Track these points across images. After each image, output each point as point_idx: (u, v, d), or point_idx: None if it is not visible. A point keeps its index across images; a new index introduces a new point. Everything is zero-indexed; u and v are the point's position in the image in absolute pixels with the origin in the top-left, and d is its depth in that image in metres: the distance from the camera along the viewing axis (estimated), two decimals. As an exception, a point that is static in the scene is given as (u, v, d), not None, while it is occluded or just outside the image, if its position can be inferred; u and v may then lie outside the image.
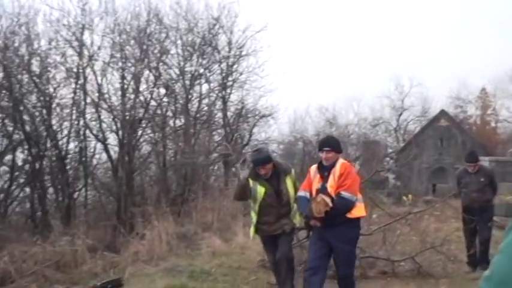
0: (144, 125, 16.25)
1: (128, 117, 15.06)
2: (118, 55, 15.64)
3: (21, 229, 13.71)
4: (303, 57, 57.16)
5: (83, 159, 15.40)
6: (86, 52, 15.24)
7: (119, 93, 15.58)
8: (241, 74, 17.92)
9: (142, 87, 15.97)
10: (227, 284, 7.93)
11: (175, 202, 14.21)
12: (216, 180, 17.66)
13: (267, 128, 19.62)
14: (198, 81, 17.31)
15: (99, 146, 15.82)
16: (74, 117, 15.37)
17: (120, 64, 15.60)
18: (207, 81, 17.54)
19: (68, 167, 15.32)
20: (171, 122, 16.95)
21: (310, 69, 54.76)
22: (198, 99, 17.50)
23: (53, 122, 15.13)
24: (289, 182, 6.18)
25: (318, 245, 5.65)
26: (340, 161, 5.66)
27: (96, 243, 11.24)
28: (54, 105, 15.14)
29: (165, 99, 16.73)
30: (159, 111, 16.69)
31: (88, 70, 15.26)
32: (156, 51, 16.17)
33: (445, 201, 11.45)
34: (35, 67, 14.93)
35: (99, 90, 15.41)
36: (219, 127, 18.18)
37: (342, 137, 22.68)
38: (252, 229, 6.47)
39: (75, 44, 15.18)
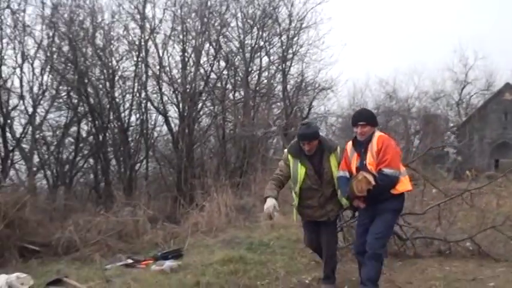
0: (204, 98, 16.36)
1: (188, 90, 15.18)
2: (179, 28, 15.75)
3: (86, 199, 14.09)
4: (363, 29, 56.21)
5: (144, 131, 15.64)
6: (147, 25, 15.43)
7: (180, 66, 15.71)
8: (301, 46, 17.76)
9: (203, 60, 16.06)
10: (285, 257, 7.91)
11: (234, 174, 14.28)
12: (274, 153, 17.64)
13: (326, 101, 19.43)
14: (258, 54, 17.25)
15: (160, 118, 16.06)
16: (135, 89, 15.63)
17: (181, 37, 15.70)
18: (267, 54, 17.46)
19: (129, 139, 15.61)
20: (230, 95, 16.99)
21: (370, 42, 53.81)
22: (257, 72, 17.46)
23: (116, 94, 15.43)
24: (333, 161, 5.61)
25: (363, 228, 5.33)
26: (377, 134, 5.19)
27: (157, 214, 11.43)
28: (117, 78, 15.43)
29: (225, 72, 16.78)
30: (219, 84, 16.75)
31: (150, 43, 15.47)
32: (216, 24, 16.18)
33: (507, 177, 10.98)
34: (99, 40, 15.22)
35: (160, 63, 15.57)
36: (278, 100, 18.10)
37: (402, 110, 22.23)
38: (294, 212, 5.99)
39: (138, 17, 15.39)
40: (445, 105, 28.56)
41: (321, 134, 5.89)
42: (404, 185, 5.16)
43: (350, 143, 5.40)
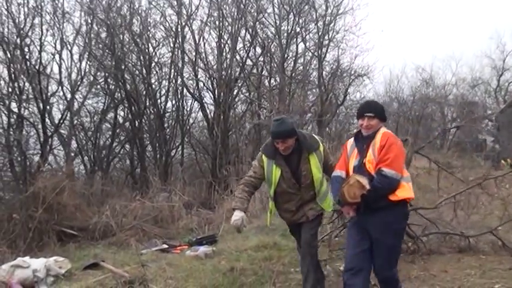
0: (239, 84, 16.35)
1: (224, 77, 15.20)
2: (215, 14, 15.77)
3: (122, 185, 14.26)
4: (401, 15, 55.23)
5: (180, 117, 15.73)
6: (184, 11, 15.46)
7: (216, 52, 15.73)
8: (337, 32, 17.60)
9: (239, 46, 16.06)
10: (319, 244, 7.92)
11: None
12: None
13: (362, 88, 19.26)
14: (294, 41, 17.16)
15: (195, 104, 16.12)
16: (172, 76, 15.71)
17: (217, 23, 15.71)
18: (303, 40, 17.34)
19: (165, 125, 15.72)
20: (266, 82, 16.95)
21: (408, 28, 52.83)
22: (293, 58, 17.37)
23: (152, 80, 15.55)
24: (313, 162, 4.97)
25: (356, 239, 4.56)
26: (382, 130, 4.54)
27: (192, 200, 11.50)
28: (153, 65, 15.54)
29: (261, 59, 16.73)
30: (254, 71, 16.72)
31: (186, 29, 15.52)
32: (252, 10, 16.12)
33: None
34: (136, 27, 15.33)
35: (197, 50, 15.63)
36: (314, 87, 18.00)
37: (439, 97, 21.88)
38: (267, 216, 5.43)
39: (174, 3, 15.43)
40: (483, 92, 28.03)
41: (301, 131, 5.27)
42: (405, 191, 4.43)
43: (351, 139, 4.74)
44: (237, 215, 4.87)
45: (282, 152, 4.90)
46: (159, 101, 15.64)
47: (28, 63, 13.33)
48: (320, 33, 17.13)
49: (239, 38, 15.84)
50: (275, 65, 16.74)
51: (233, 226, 4.92)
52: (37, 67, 13.41)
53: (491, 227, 7.15)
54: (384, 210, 4.36)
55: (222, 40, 15.60)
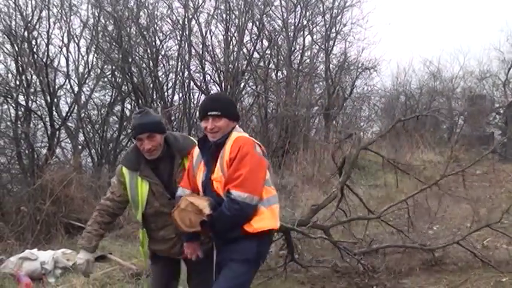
0: (246, 77, 16.34)
1: (231, 70, 15.19)
2: (222, 7, 15.73)
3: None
4: (408, 8, 54.93)
5: (187, 110, 15.73)
6: (191, 4, 15.41)
7: (223, 45, 15.72)
8: (344, 25, 17.56)
9: (246, 39, 16.02)
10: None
11: (276, 154, 14.29)
12: (316, 133, 17.58)
13: (369, 81, 19.20)
14: (301, 33, 17.13)
15: (202, 97, 16.09)
16: (179, 69, 15.69)
17: (224, 16, 15.68)
18: (310, 33, 17.31)
19: (172, 118, 15.72)
20: (273, 75, 16.93)
21: (415, 21, 52.54)
22: (300, 51, 17.34)
23: (159, 73, 15.54)
24: None
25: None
26: (234, 135, 3.53)
27: (199, 192, 11.52)
28: (160, 57, 15.53)
29: (267, 52, 16.70)
30: (261, 64, 16.71)
31: (193, 22, 15.48)
32: (259, 3, 16.07)
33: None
34: (143, 20, 15.30)
35: (204, 43, 15.61)
36: (321, 79, 17.97)
37: (447, 90, 21.79)
38: (141, 250, 4.30)
39: (182, -5, 15.39)
40: (491, 85, 27.87)
41: (171, 131, 4.25)
42: (265, 220, 3.42)
43: (197, 148, 3.74)
44: (81, 258, 4.00)
45: (148, 156, 3.81)
46: (166, 93, 15.63)
47: (35, 56, 13.35)
48: (327, 26, 17.11)
49: (246, 31, 15.83)
50: (282, 58, 16.72)
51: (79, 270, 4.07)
52: (44, 60, 13.43)
53: (456, 238, 6.52)
54: (237, 243, 3.43)
55: (229, 33, 15.59)
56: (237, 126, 3.70)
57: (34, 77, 13.38)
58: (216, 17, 15.69)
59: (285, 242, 6.59)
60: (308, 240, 6.99)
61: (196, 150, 3.71)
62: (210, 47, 15.74)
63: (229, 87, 15.04)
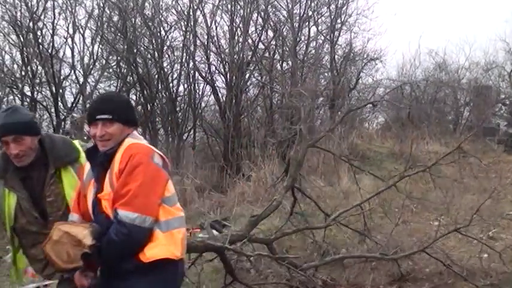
0: (251, 68, 16.31)
1: (236, 60, 15.16)
2: (228, -3, 15.69)
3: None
4: (414, -2, 54.78)
5: (192, 101, 15.73)
6: (196, -6, 15.38)
7: (228, 36, 15.68)
8: (350, 16, 17.47)
9: (251, 30, 15.96)
10: (331, 227, 7.95)
11: (281, 145, 14.29)
12: (321, 124, 17.56)
13: (374, 72, 19.14)
14: (306, 24, 17.06)
15: (207, 88, 16.10)
16: (184, 60, 15.69)
17: (229, 7, 15.63)
18: (315, 23, 17.23)
19: (177, 108, 15.74)
20: (278, 65, 16.89)
21: (421, 11, 52.34)
22: (305, 42, 17.27)
23: (164, 64, 15.54)
24: (68, 181, 3.23)
25: None
26: (127, 142, 2.86)
27: (204, 183, 11.55)
28: (165, 48, 15.52)
29: (273, 42, 16.65)
30: (266, 54, 16.66)
31: (198, 13, 15.45)
32: (265, -7, 16.03)
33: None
34: (148, 10, 15.30)
35: (209, 33, 15.57)
36: (326, 70, 17.92)
37: (452, 81, 21.71)
38: (11, 271, 3.60)
39: (186, -14, 15.36)
40: (496, 76, 27.79)
41: (50, 133, 3.59)
42: (159, 247, 2.73)
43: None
44: None
45: (17, 162, 3.13)
46: (171, 84, 15.63)
47: (41, 46, 13.41)
48: (332, 17, 17.04)
49: (251, 22, 15.76)
50: (287, 49, 16.66)
51: None
52: (50, 51, 13.49)
53: (422, 245, 5.93)
54: (133, 275, 2.75)
55: (234, 24, 15.53)
56: (134, 132, 3.02)
57: (39, 67, 13.45)
58: (221, 7, 15.66)
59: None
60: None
61: (87, 165, 3.00)
62: (215, 38, 15.71)
63: (234, 77, 15.01)
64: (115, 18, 14.92)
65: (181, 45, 15.56)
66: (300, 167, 6.76)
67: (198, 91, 16.12)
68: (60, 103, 13.76)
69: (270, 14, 16.26)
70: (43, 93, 13.89)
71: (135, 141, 2.88)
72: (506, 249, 5.99)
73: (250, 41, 15.92)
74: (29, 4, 13.17)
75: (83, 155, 3.18)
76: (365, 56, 18.04)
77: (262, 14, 16.00)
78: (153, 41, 15.16)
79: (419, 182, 11.78)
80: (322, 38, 17.51)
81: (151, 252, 2.71)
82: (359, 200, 6.81)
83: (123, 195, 2.67)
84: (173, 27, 15.67)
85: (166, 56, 15.67)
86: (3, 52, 13.75)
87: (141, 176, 2.70)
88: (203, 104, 16.70)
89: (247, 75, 16.04)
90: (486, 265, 5.83)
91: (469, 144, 15.83)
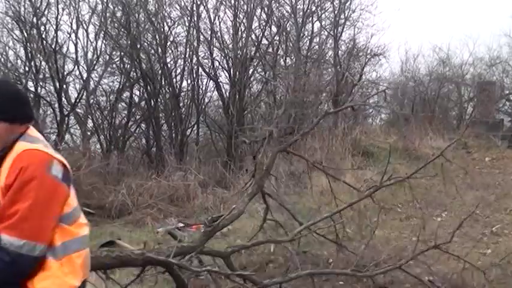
0: (255, 63, 16.29)
1: (239, 56, 15.14)
2: (231, -7, 15.67)
3: (138, 164, 14.36)
4: (418, -7, 54.63)
5: (196, 96, 15.73)
6: (200, -11, 15.36)
7: (231, 31, 15.66)
8: (353, 11, 17.42)
9: (254, 25, 15.94)
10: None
11: (284, 141, 14.28)
12: (325, 120, 17.54)
13: (378, 67, 19.11)
14: (309, 19, 17.03)
15: (211, 84, 16.09)
16: (187, 55, 15.67)
17: (232, 2, 15.61)
18: (319, 19, 17.21)
19: (181, 104, 15.74)
20: (281, 61, 16.88)
21: (424, 6, 52.23)
22: (309, 37, 17.25)
23: (168, 60, 15.53)
24: None
25: None
26: (20, 147, 2.24)
27: (207, 179, 11.57)
28: (168, 44, 15.51)
29: (276, 38, 16.63)
30: (270, 50, 16.65)
31: (201, 8, 15.44)
32: (268, -12, 16.01)
33: None
34: (151, 6, 15.29)
35: (212, 29, 15.56)
36: (329, 66, 17.90)
37: (456, 77, 21.68)
38: None
39: (190, -19, 15.33)
40: (500, 71, 27.76)
41: None
42: (50, 279, 2.22)
43: None
44: None
45: None
46: (174, 80, 15.61)
47: (44, 42, 13.41)
48: (336, 12, 17.00)
49: (255, 17, 15.75)
50: (291, 44, 16.65)
51: None
52: (53, 46, 13.49)
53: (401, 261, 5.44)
54: None
55: (237, 19, 15.52)
56: (28, 131, 2.36)
57: (43, 63, 13.47)
58: (224, 2, 15.62)
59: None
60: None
61: None
62: (219, 33, 15.69)
63: (237, 73, 15.00)
64: (118, 14, 14.93)
65: (184, 40, 15.56)
66: (268, 173, 6.15)
67: (201, 87, 16.13)
68: (63, 98, 13.77)
69: (274, 9, 16.24)
70: (47, 88, 13.94)
71: (28, 146, 2.24)
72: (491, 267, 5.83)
73: (253, 36, 15.92)
74: (33, 0, 13.19)
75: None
76: (368, 52, 17.99)
77: (266, 9, 15.99)
78: (157, 37, 15.15)
79: (422, 178, 11.78)
80: (326, 33, 17.49)
81: (42, 285, 2.19)
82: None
83: (10, 216, 2.12)
84: (176, 23, 15.67)
85: (170, 51, 15.66)
86: (7, 47, 13.81)
87: (33, 194, 2.14)
88: (206, 100, 16.72)
89: (251, 70, 16.03)
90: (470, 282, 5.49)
91: (473, 140, 15.84)
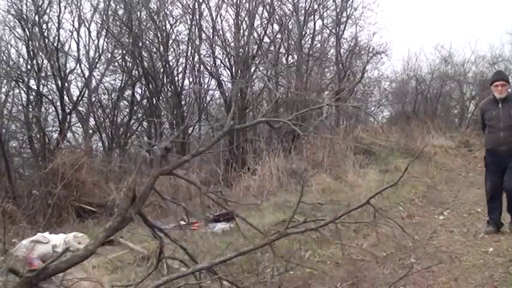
0: (257, 62, 16.28)
1: (241, 54, 15.13)
2: (233, -9, 15.65)
3: (139, 162, 14.35)
4: (421, -9, 54.51)
5: (197, 95, 15.72)
6: (201, -12, 15.35)
7: (233, 29, 15.66)
8: (355, 9, 17.41)
9: (256, 23, 15.92)
10: (337, 221, 7.96)
11: (286, 139, 14.28)
12: (327, 118, 17.52)
13: (380, 65, 19.10)
14: (311, 18, 17.01)
15: (213, 82, 16.09)
16: (189, 53, 15.67)
17: (234, 0, 15.59)
18: (321, 17, 17.19)
19: (183, 102, 15.74)
20: (283, 59, 16.87)
21: (426, 4, 52.12)
22: (311, 35, 17.23)
23: (170, 58, 15.52)
24: None
25: None
26: None
27: (209, 177, 11.58)
28: (170, 42, 15.51)
29: (278, 36, 16.62)
30: (272, 48, 16.63)
31: (203, 6, 15.43)
32: (270, -13, 15.99)
33: None
34: (153, 4, 15.27)
35: (214, 27, 15.56)
36: (331, 64, 17.89)
37: (458, 75, 21.66)
38: None
39: (192, -21, 15.32)
40: (503, 70, 27.78)
41: None
42: None
43: None
44: None
45: None
46: (176, 78, 15.61)
47: (46, 40, 13.40)
48: (338, 10, 16.99)
49: (256, 15, 15.74)
50: (292, 43, 16.64)
51: None
52: (55, 44, 13.48)
53: None
54: None
55: (239, 17, 15.50)
56: None
57: (45, 61, 13.46)
58: (226, 1, 15.61)
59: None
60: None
61: None
62: (221, 32, 15.70)
63: (239, 71, 15.00)
64: (120, 12, 14.91)
65: (186, 38, 15.56)
66: (141, 203, 4.64)
67: (203, 85, 16.11)
68: (65, 97, 13.77)
69: (276, 7, 16.23)
70: (48, 86, 13.89)
71: None
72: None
73: (255, 34, 15.91)
74: (35, -3, 13.19)
75: None
76: (370, 50, 17.99)
77: (268, 7, 15.98)
78: (159, 35, 15.15)
79: (424, 176, 11.81)
80: (328, 31, 17.48)
81: None
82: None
83: None
84: (178, 21, 15.66)
85: (172, 49, 15.67)
86: (9, 46, 13.77)
87: None
88: (208, 98, 16.72)
89: (253, 68, 16.02)
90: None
91: (474, 138, 15.84)
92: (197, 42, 15.41)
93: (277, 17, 16.36)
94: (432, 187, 11.15)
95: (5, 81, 12.87)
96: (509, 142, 6.91)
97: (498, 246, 6.40)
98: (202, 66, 15.72)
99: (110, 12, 14.67)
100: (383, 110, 21.34)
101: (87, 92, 14.13)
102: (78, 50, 14.12)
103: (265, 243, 4.83)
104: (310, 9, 16.64)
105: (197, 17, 15.24)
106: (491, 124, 7.11)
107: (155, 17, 15.02)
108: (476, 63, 23.66)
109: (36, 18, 13.17)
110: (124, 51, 14.97)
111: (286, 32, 16.52)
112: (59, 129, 13.61)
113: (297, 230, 5.06)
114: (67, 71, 13.96)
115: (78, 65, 14.20)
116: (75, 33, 14.15)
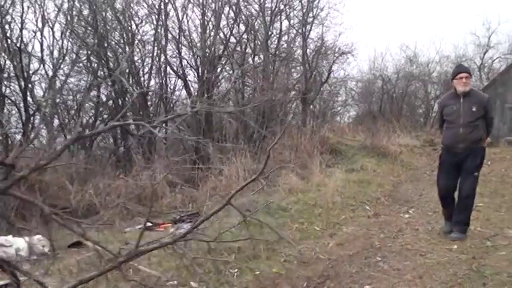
0: (223, 62, 16.26)
1: (207, 54, 15.09)
2: (199, -10, 15.59)
3: (105, 163, 14.22)
4: (385, -8, 55.07)
5: (164, 95, 15.64)
6: (167, -12, 15.27)
7: (199, 30, 15.60)
8: (321, 10, 17.58)
9: (222, 23, 15.91)
10: (303, 220, 8.01)
11: (253, 139, 14.31)
12: (293, 118, 17.62)
13: (346, 65, 19.32)
14: (278, 18, 17.07)
15: (179, 82, 16.02)
16: (155, 54, 15.57)
17: (200, 0, 15.55)
18: (287, 17, 17.27)
19: (149, 103, 15.63)
20: (250, 59, 16.88)
21: (392, 5, 52.74)
22: (277, 36, 17.30)
23: (135, 58, 15.40)
24: None
25: None
26: None
27: (176, 178, 11.52)
28: (136, 42, 15.39)
29: (244, 36, 16.63)
30: (238, 48, 16.63)
31: (169, 6, 15.36)
32: (236, -13, 15.98)
33: None
34: (119, 4, 15.15)
35: (180, 27, 15.49)
36: (298, 64, 17.98)
37: (423, 75, 21.99)
38: None
39: (157, -21, 15.23)
40: (466, 68, 28.26)
41: None
42: None
43: None
44: None
45: None
46: (142, 78, 15.51)
47: (9, 40, 13.18)
48: (304, 11, 17.12)
49: (223, 16, 15.72)
50: (259, 43, 16.67)
51: None
52: (18, 45, 13.26)
53: None
54: None
55: (205, 17, 15.46)
56: None
57: (8, 61, 13.22)
58: (192, 1, 15.57)
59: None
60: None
61: None
62: (187, 32, 15.65)
63: (206, 72, 14.96)
64: (85, 12, 14.75)
65: (152, 39, 15.46)
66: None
67: (169, 85, 16.06)
68: (29, 98, 13.56)
69: (242, 7, 16.27)
70: (11, 88, 13.67)
71: None
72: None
73: (221, 34, 15.91)
74: (-4, -3, 12.97)
75: None
76: (337, 50, 18.15)
77: (234, 7, 16.00)
78: (124, 35, 15.03)
79: (390, 175, 11.95)
80: (294, 31, 17.58)
81: None
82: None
83: None
84: (144, 21, 15.57)
85: (137, 50, 15.55)
86: (-30, 46, 13.53)
87: None
88: (175, 98, 16.64)
89: (219, 69, 16.00)
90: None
91: (439, 137, 16.04)
92: (163, 43, 15.34)
93: (243, 17, 16.41)
94: (398, 186, 11.28)
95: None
96: (468, 139, 6.81)
97: (462, 244, 6.50)
98: (168, 67, 15.65)
99: (74, 12, 14.49)
100: (349, 110, 21.53)
101: (51, 93, 13.93)
102: (42, 50, 13.92)
103: (113, 267, 4.08)
104: (277, 9, 16.71)
105: (163, 17, 15.16)
106: (450, 120, 6.98)
107: (120, 17, 14.91)
108: (440, 63, 24.08)
109: (-1, 18, 12.95)
110: (89, 52, 14.81)
111: (252, 32, 16.55)
112: (22, 130, 13.39)
113: (153, 246, 4.38)
114: (30, 72, 13.75)
115: (41, 66, 13.99)
116: (38, 34, 13.94)
